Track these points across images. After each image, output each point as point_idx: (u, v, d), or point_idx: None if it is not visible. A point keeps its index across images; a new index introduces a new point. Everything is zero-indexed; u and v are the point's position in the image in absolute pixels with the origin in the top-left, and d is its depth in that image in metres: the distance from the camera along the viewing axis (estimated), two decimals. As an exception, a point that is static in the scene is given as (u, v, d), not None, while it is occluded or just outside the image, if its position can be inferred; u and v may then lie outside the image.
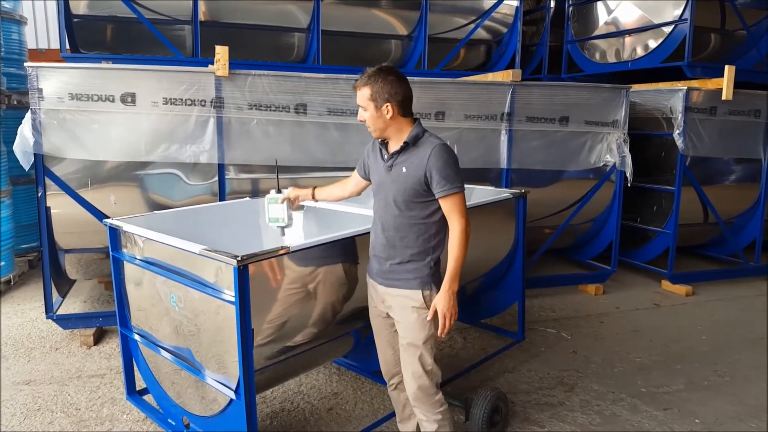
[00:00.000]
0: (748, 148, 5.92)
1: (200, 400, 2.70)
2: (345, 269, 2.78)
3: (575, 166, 5.35)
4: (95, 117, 3.95)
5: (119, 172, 4.21)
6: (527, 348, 4.29)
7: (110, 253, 2.98)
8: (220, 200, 4.28)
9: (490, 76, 5.64)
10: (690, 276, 5.97)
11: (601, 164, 5.38)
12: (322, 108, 4.40)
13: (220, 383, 2.49)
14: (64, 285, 4.68)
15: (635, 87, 5.78)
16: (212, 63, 4.09)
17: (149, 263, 2.75)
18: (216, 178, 4.32)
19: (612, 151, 5.34)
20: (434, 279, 2.43)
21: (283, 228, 2.97)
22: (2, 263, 5.32)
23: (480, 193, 4.05)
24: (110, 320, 4.19)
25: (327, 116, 4.43)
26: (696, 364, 4.11)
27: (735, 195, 6.26)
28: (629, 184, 5.44)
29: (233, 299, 2.27)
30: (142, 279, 2.86)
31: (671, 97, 5.50)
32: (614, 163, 5.37)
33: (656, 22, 6.65)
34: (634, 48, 7.01)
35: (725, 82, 5.46)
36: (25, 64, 3.89)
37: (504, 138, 5.02)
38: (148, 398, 3.26)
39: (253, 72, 4.22)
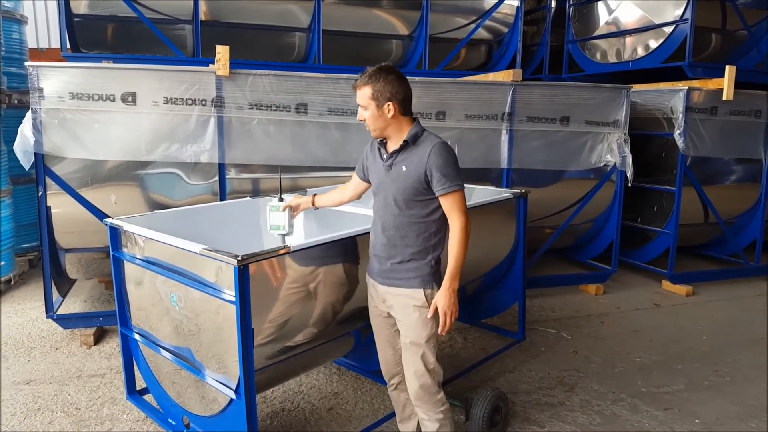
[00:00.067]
0: (748, 149, 5.92)
1: (200, 400, 2.70)
2: (345, 269, 2.78)
3: (576, 166, 5.34)
4: (96, 116, 3.95)
5: (120, 171, 4.21)
6: (527, 348, 4.29)
7: (110, 252, 2.98)
8: (221, 200, 4.28)
9: (490, 76, 5.64)
10: (690, 276, 5.97)
11: (602, 164, 5.38)
12: (322, 108, 4.40)
13: (221, 383, 2.49)
14: (65, 284, 4.68)
15: (636, 87, 5.78)
16: (213, 62, 4.09)
17: (150, 263, 2.75)
18: (216, 178, 4.32)
19: (612, 151, 5.34)
20: (435, 278, 2.42)
21: (284, 236, 2.99)
22: (2, 263, 5.32)
23: (480, 193, 4.05)
24: (110, 320, 4.19)
25: (328, 116, 4.43)
26: (696, 364, 4.11)
27: (735, 195, 6.26)
28: (630, 184, 5.44)
29: (233, 299, 2.27)
30: (142, 278, 2.86)
31: (672, 97, 5.50)
32: (615, 163, 5.37)
33: (657, 22, 6.65)
34: (635, 48, 7.01)
35: (726, 82, 5.46)
36: (26, 63, 3.88)
37: (505, 138, 5.01)
38: (149, 398, 3.26)
39: (253, 72, 4.22)
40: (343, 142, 4.49)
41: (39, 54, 8.14)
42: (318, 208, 2.96)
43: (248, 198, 3.81)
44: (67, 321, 4.29)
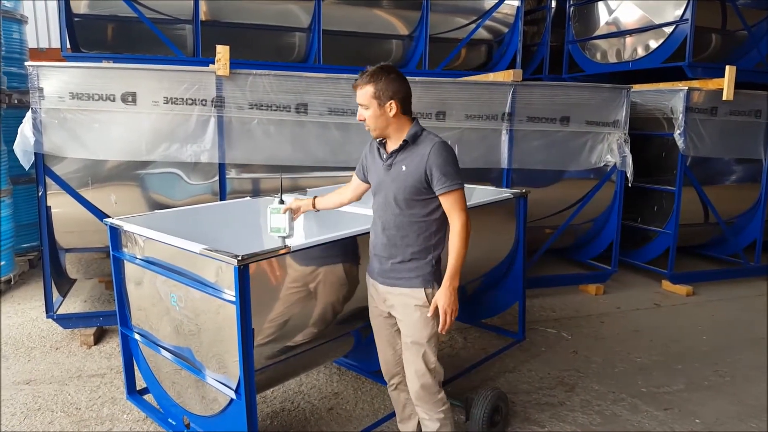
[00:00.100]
0: (748, 149, 5.92)
1: (200, 400, 2.70)
2: (345, 269, 2.78)
3: (576, 166, 5.34)
4: (96, 116, 3.95)
5: (120, 171, 4.21)
6: (528, 348, 4.29)
7: (111, 252, 2.97)
8: (221, 200, 4.28)
9: (491, 76, 5.64)
10: (690, 276, 5.97)
11: (602, 164, 5.38)
12: (323, 108, 4.40)
13: (221, 383, 2.49)
14: (65, 284, 4.68)
15: (636, 87, 5.78)
16: (213, 62, 4.09)
17: (150, 263, 2.75)
18: (217, 178, 4.32)
19: (613, 151, 5.34)
20: (436, 277, 2.42)
21: (284, 238, 2.99)
22: (2, 263, 5.32)
23: (481, 193, 4.05)
24: (110, 320, 4.19)
25: (328, 116, 4.43)
26: (696, 364, 4.11)
27: (735, 195, 6.26)
28: (630, 184, 5.45)
29: (234, 299, 2.27)
30: (142, 278, 2.86)
31: (672, 97, 5.50)
32: (615, 163, 5.37)
33: (657, 22, 6.65)
34: (635, 48, 7.02)
35: (726, 83, 5.46)
36: (26, 63, 3.89)
37: (505, 138, 5.01)
38: (149, 398, 3.26)
39: (254, 71, 4.22)
40: (344, 142, 4.49)
41: (39, 54, 8.15)
42: (318, 211, 2.96)
43: (248, 198, 3.81)
44: (67, 321, 4.29)
